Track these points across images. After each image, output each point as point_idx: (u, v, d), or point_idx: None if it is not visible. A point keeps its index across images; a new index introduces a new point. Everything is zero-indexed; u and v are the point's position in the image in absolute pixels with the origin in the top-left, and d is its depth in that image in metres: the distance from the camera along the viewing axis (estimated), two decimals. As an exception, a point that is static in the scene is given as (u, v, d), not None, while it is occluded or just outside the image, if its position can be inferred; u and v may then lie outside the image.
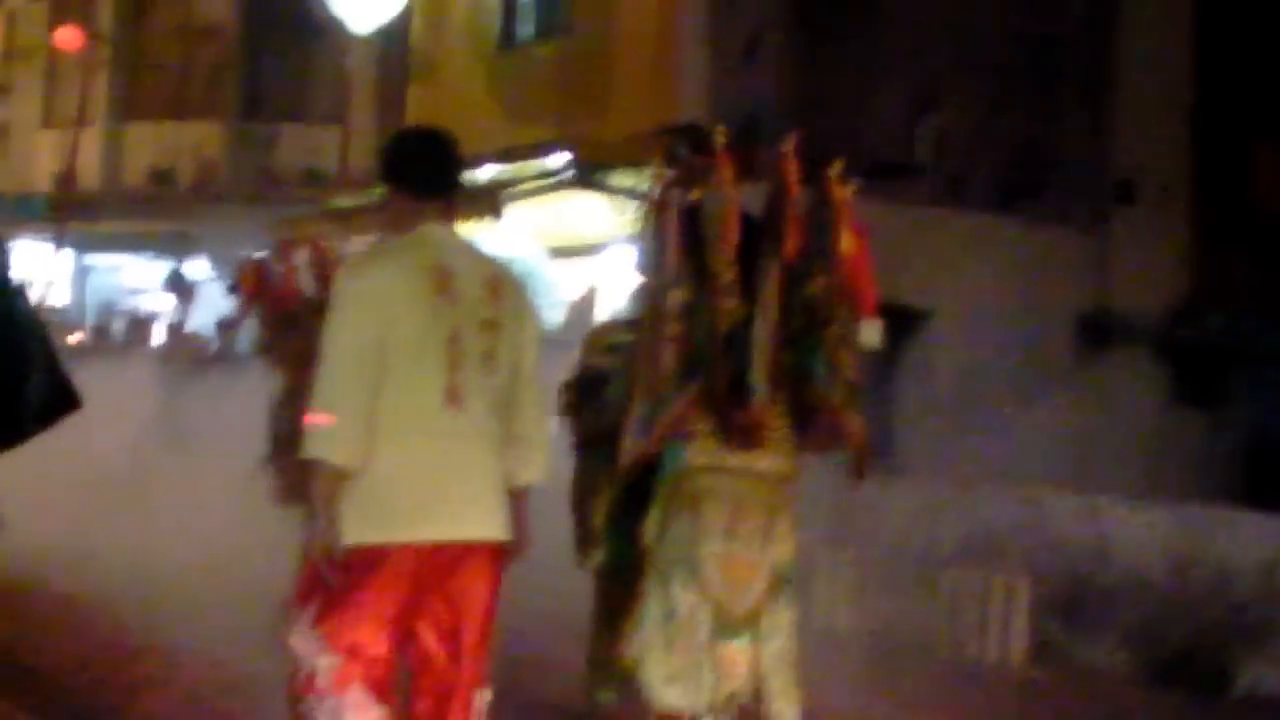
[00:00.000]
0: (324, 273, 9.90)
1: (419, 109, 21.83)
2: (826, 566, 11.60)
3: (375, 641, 5.19)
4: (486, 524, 5.33)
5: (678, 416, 6.71)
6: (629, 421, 6.79)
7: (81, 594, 10.38)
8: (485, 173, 17.47)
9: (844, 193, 6.72)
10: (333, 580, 5.11)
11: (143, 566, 10.75)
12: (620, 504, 7.27)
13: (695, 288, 6.63)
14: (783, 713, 6.82)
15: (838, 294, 6.64)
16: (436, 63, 21.72)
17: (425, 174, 5.36)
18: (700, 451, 6.72)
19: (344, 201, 20.51)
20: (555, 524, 7.10)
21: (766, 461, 6.75)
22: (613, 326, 7.91)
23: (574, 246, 18.61)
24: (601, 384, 7.44)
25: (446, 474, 5.22)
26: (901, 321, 19.47)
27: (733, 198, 6.47)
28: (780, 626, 6.86)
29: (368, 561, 5.13)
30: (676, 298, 6.63)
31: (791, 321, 6.57)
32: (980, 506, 12.00)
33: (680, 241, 6.55)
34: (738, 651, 6.78)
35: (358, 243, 19.18)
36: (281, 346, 10.12)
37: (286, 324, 10.05)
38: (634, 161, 16.10)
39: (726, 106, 18.02)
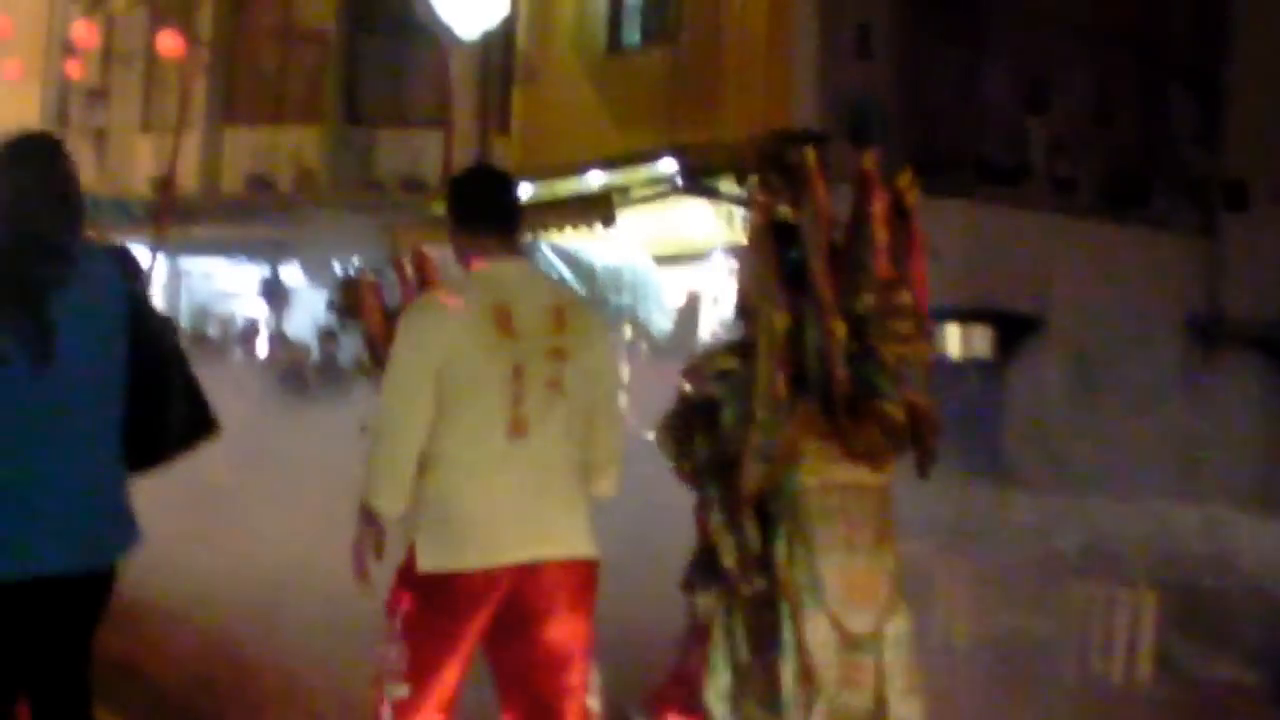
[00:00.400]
0: (429, 282, 9.84)
1: (524, 114, 21.79)
2: (944, 579, 11.49)
3: (448, 668, 5.42)
4: (558, 543, 5.54)
5: (793, 439, 6.77)
6: (749, 448, 6.82)
7: (197, 610, 10.36)
8: (593, 179, 17.36)
9: (914, 200, 6.76)
10: (392, 605, 5.42)
11: (253, 581, 10.70)
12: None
13: (797, 309, 6.69)
14: (898, 711, 6.80)
15: (910, 304, 6.74)
16: (542, 68, 21.64)
17: (484, 211, 5.61)
18: (810, 471, 6.77)
19: (441, 208, 20.44)
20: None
21: (871, 474, 6.81)
22: (717, 352, 7.64)
23: (681, 253, 18.49)
24: (713, 411, 7.23)
25: (514, 501, 5.43)
26: (1012, 328, 19.33)
27: (825, 218, 6.56)
28: (901, 636, 6.87)
29: (443, 588, 5.36)
30: (782, 321, 6.69)
31: (888, 329, 6.68)
32: (1100, 518, 11.84)
33: (777, 263, 6.64)
34: (863, 664, 6.81)
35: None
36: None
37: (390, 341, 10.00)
38: (744, 167, 15.99)
39: (836, 110, 17.92)
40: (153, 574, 10.03)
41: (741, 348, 7.05)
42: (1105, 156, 20.67)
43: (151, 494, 5.76)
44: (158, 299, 26.73)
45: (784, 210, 6.69)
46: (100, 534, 5.02)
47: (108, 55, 29.83)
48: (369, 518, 5.49)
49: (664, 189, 16.83)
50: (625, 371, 18.94)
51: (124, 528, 5.13)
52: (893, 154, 18.03)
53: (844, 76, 18.19)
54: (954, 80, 19.29)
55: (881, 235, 6.77)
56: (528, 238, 17.97)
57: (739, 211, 16.53)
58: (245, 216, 26.80)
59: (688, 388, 7.41)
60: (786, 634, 6.86)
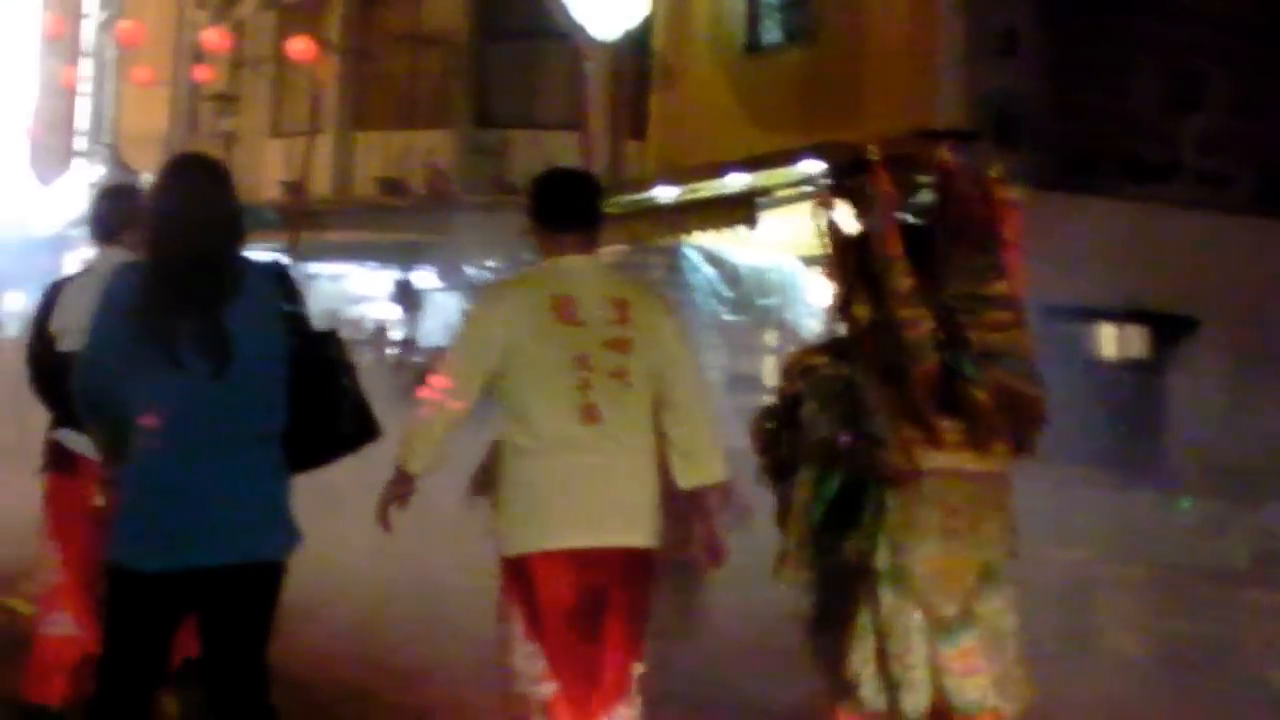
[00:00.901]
0: None
1: (661, 116, 21.61)
2: (1109, 587, 11.29)
3: (565, 654, 5.76)
4: (628, 531, 5.82)
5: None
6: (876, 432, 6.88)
7: (346, 617, 10.26)
8: (733, 181, 17.13)
9: (1008, 195, 6.87)
10: (501, 596, 5.83)
11: (395, 583, 10.74)
12: (827, 518, 7.21)
13: (876, 303, 6.77)
14: (1001, 710, 6.91)
15: (1005, 294, 6.87)
16: (679, 70, 21.42)
17: (562, 211, 5.91)
18: (905, 457, 6.80)
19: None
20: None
21: (975, 461, 6.83)
22: (806, 350, 7.75)
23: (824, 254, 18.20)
24: (798, 407, 7.32)
25: (590, 486, 5.73)
26: (1168, 329, 18.95)
27: (890, 214, 6.62)
28: (994, 624, 6.95)
29: (525, 570, 5.74)
30: (862, 314, 6.80)
31: (982, 318, 6.79)
32: (1268, 523, 11.67)
33: (852, 262, 6.78)
34: (952, 652, 6.89)
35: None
36: None
37: None
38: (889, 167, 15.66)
39: (981, 109, 17.60)
40: (301, 582, 9.98)
41: (831, 347, 7.17)
42: (1258, 152, 20.21)
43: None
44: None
45: (848, 217, 6.83)
46: (260, 531, 5.33)
47: (237, 61, 29.92)
48: (401, 477, 5.90)
49: (807, 190, 16.54)
50: (769, 373, 18.77)
51: (284, 527, 5.42)
52: (1040, 154, 17.86)
53: (989, 75, 17.86)
54: (1101, 77, 18.90)
55: (969, 226, 6.86)
56: (670, 239, 17.82)
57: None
58: (377, 220, 26.82)
59: (781, 383, 7.51)
60: (863, 618, 6.93)
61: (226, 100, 30.51)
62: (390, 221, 26.57)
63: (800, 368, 7.51)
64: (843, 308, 6.99)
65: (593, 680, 5.81)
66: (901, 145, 15.69)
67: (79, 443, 6.80)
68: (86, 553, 6.81)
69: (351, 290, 28.88)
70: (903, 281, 6.68)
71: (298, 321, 5.39)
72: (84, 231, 8.14)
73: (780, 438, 7.43)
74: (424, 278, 26.91)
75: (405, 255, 26.79)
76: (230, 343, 5.17)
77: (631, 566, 5.84)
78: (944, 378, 6.78)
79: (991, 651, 7.01)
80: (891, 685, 7.01)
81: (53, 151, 34.83)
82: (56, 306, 7.21)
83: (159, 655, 5.38)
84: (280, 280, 5.38)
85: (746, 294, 18.00)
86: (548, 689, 5.74)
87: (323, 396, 5.47)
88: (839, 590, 7.28)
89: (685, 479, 5.97)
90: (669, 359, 5.90)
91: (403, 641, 9.60)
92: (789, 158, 16.57)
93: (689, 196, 18.02)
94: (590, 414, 5.69)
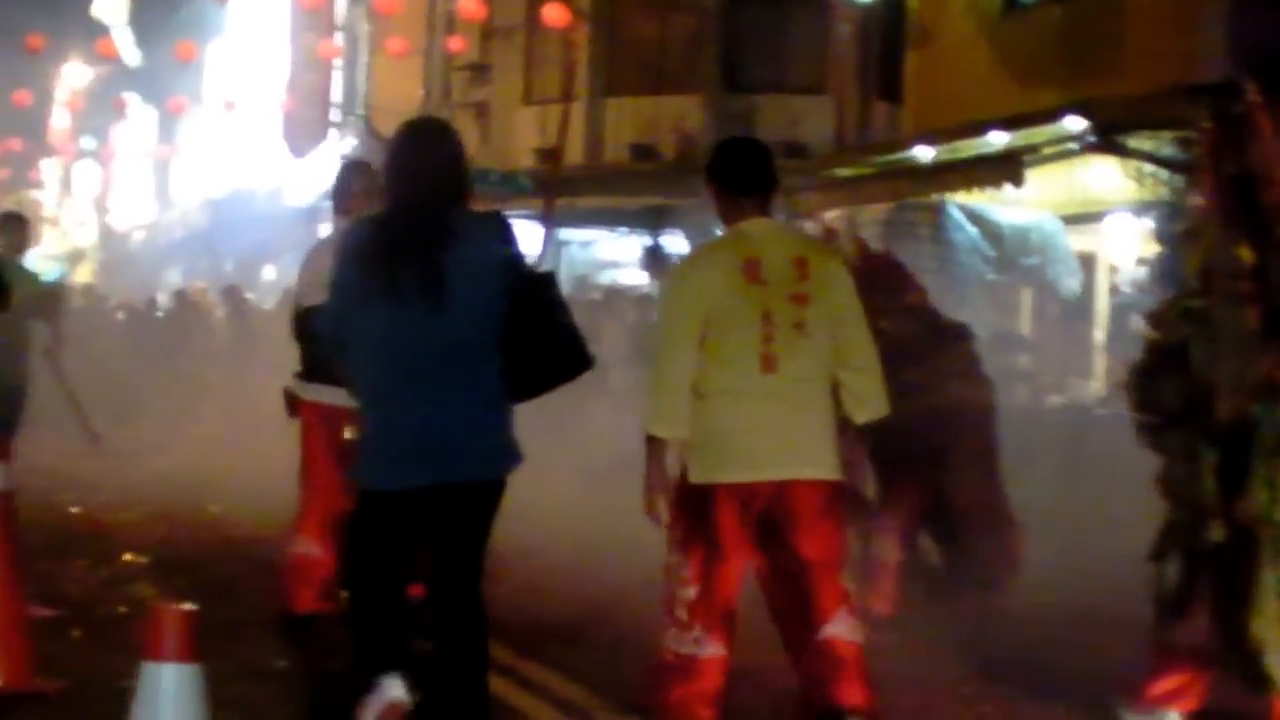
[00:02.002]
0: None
1: (917, 77, 21.60)
2: None
3: (724, 571, 6.52)
4: (805, 465, 6.55)
5: (1265, 374, 6.81)
6: (1221, 380, 6.90)
7: (563, 557, 10.67)
8: (993, 139, 17.13)
9: None
10: (663, 520, 6.53)
11: (610, 533, 10.99)
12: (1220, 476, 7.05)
13: (1259, 247, 6.80)
14: None
15: None
16: (936, 31, 21.41)
17: (744, 176, 6.66)
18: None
19: (843, 171, 20.39)
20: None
21: None
22: (1182, 294, 7.60)
23: (1083, 212, 18.18)
24: (1180, 356, 7.24)
25: (767, 426, 6.47)
26: None
27: (1275, 153, 6.74)
28: None
29: (710, 497, 6.48)
30: (1244, 257, 6.83)
31: None
32: None
33: (1232, 203, 6.89)
34: None
35: (868, 215, 19.15)
36: None
37: None
38: (1154, 122, 15.63)
39: (1245, 59, 17.32)
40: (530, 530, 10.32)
41: (1206, 288, 7.15)
42: None
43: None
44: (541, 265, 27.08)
45: (1232, 157, 6.84)
46: (482, 453, 6.17)
47: (488, 30, 30.31)
48: (653, 449, 6.52)
49: (1072, 147, 16.51)
50: (1029, 331, 18.75)
51: (504, 448, 6.24)
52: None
53: (1254, 27, 17.58)
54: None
55: None
56: (933, 198, 17.87)
57: (1150, 169, 16.17)
58: (628, 186, 27.06)
59: (1154, 335, 7.48)
60: (1267, 577, 6.74)
61: (479, 69, 31.01)
62: (640, 187, 26.81)
63: (1180, 311, 7.37)
64: (1220, 249, 7.01)
65: (805, 598, 6.52)
66: (1164, 101, 15.67)
67: (306, 390, 8.39)
68: (321, 485, 8.33)
69: (601, 256, 29.24)
70: None
71: (515, 264, 6.22)
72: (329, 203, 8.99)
73: (1162, 390, 7.31)
74: (673, 242, 27.16)
75: (654, 220, 27.03)
76: (444, 281, 5.99)
77: (810, 495, 6.54)
78: None
79: None
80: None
81: (307, 124, 35.64)
82: (300, 270, 8.67)
83: (399, 567, 6.29)
84: (499, 229, 6.25)
85: (1008, 253, 17.98)
86: (688, 592, 6.53)
87: (540, 330, 6.20)
88: (1221, 565, 7.03)
89: (858, 416, 6.69)
90: (841, 312, 6.62)
91: (608, 585, 9.86)
92: (1052, 115, 16.53)
93: (947, 155, 18.05)
94: (769, 363, 6.45)
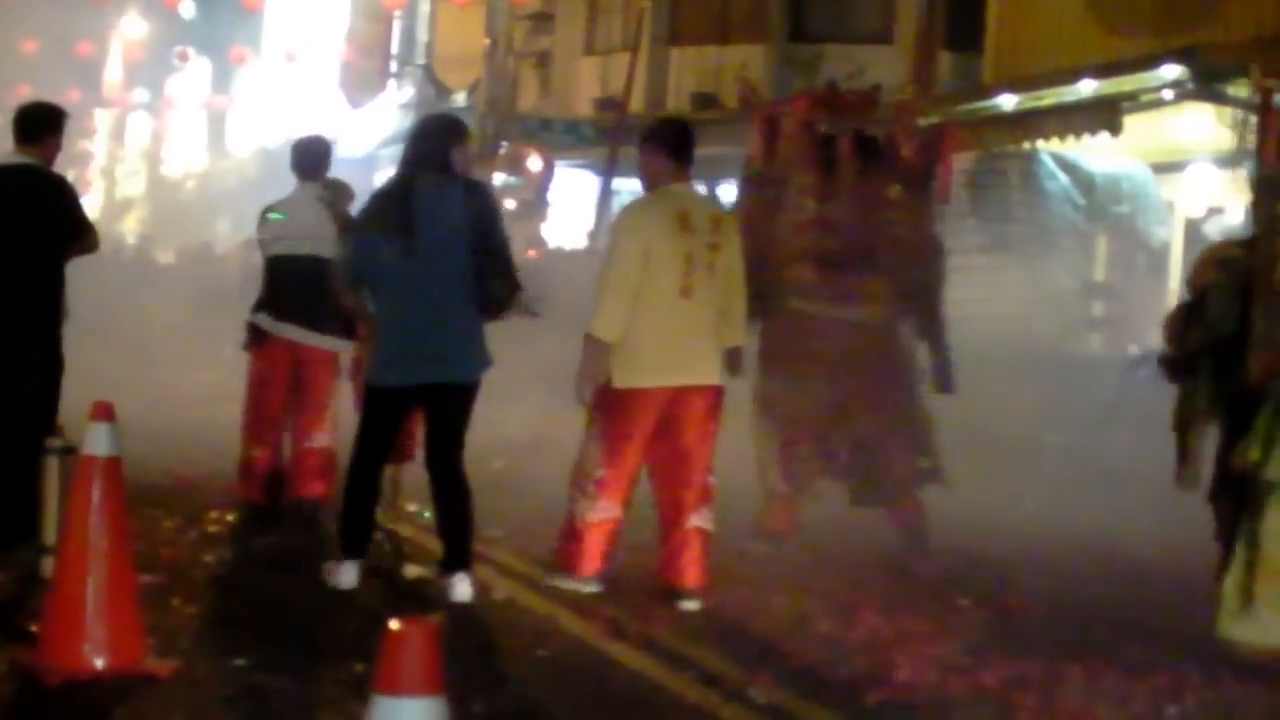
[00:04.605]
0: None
1: (1001, 25, 21.08)
2: None
3: (628, 459, 8.51)
4: (705, 373, 8.59)
5: None
6: (1253, 336, 7.16)
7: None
8: (1084, 87, 16.67)
9: None
10: (594, 412, 8.51)
11: None
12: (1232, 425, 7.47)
13: None
14: None
15: None
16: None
17: (684, 149, 8.65)
18: None
19: (922, 120, 19.89)
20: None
21: None
22: (1228, 243, 8.10)
23: (1176, 160, 17.74)
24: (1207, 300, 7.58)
25: (679, 341, 8.43)
26: None
27: None
28: None
29: (627, 400, 8.43)
30: None
31: None
32: None
33: None
34: None
35: (957, 161, 18.64)
36: None
37: None
38: (1253, 70, 15.20)
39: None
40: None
41: (1250, 240, 7.58)
42: None
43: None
44: (590, 218, 26.81)
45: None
46: (460, 359, 8.32)
47: (551, -20, 30.04)
48: (593, 347, 8.38)
49: (1171, 95, 16.06)
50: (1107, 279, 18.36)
51: (478, 356, 8.39)
52: None
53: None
54: None
55: None
56: (1025, 145, 17.43)
57: (1245, 116, 15.74)
58: (689, 134, 26.62)
59: (1194, 278, 7.82)
60: (1244, 527, 7.12)
61: (541, 19, 30.68)
62: (702, 136, 26.37)
63: (1218, 258, 7.70)
64: (1255, 201, 7.61)
65: (684, 486, 8.53)
66: (1267, 48, 15.22)
67: (266, 323, 10.52)
68: (265, 399, 10.71)
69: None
70: None
71: (476, 214, 8.23)
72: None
73: (1189, 332, 7.63)
74: (731, 192, 26.79)
75: (715, 169, 26.66)
76: (411, 231, 8.08)
77: (700, 398, 8.53)
78: None
79: None
80: (1254, 607, 7.07)
81: (365, 75, 35.37)
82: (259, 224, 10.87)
83: (392, 441, 8.67)
84: (468, 188, 8.31)
85: (1099, 202, 17.57)
86: (600, 472, 8.49)
87: (485, 267, 8.22)
88: (1223, 501, 7.48)
89: (729, 338, 8.74)
90: (736, 261, 8.64)
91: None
92: (1149, 62, 16.08)
93: (1031, 104, 17.58)
94: (687, 292, 8.38)
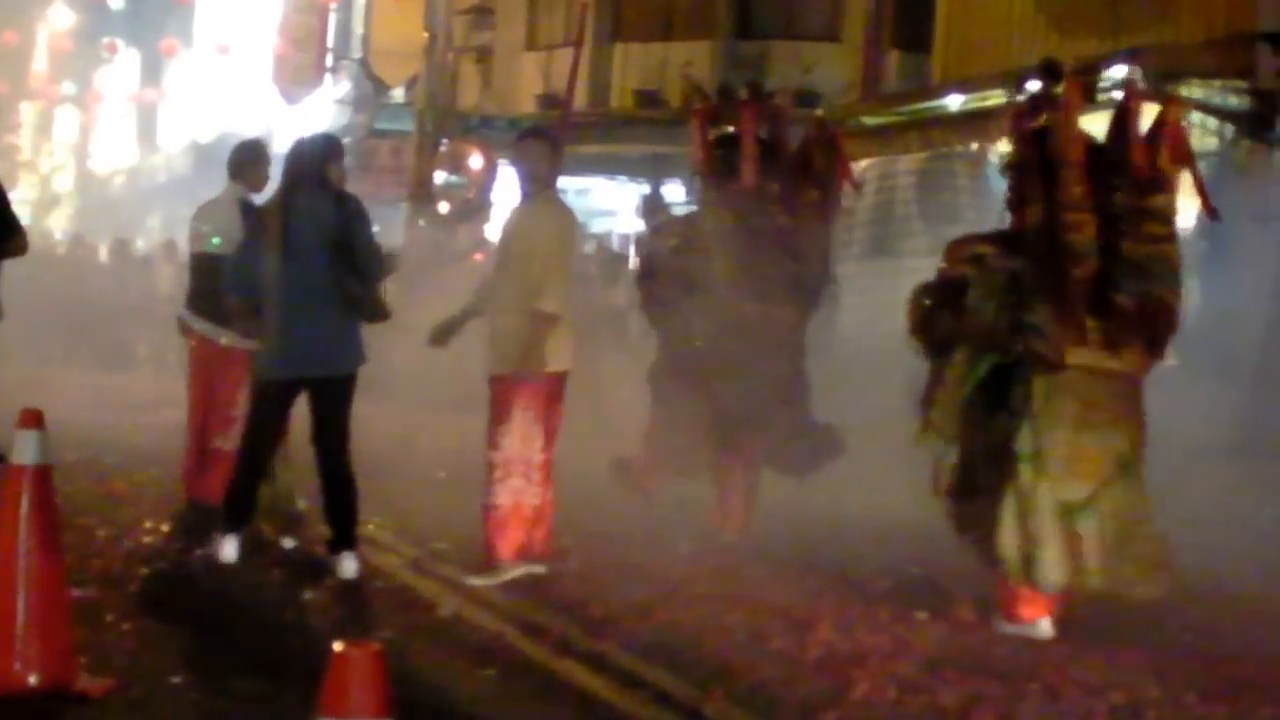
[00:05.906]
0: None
1: (950, 25, 20.92)
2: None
3: (553, 441, 9.14)
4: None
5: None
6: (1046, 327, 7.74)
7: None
8: (1032, 89, 16.44)
9: (1175, 115, 8.23)
10: (518, 400, 9.06)
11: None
12: (977, 400, 8.13)
13: (1047, 204, 7.72)
14: (1134, 584, 7.85)
15: (1164, 208, 7.88)
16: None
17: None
18: (1056, 352, 7.69)
19: (870, 120, 19.76)
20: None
21: (1116, 361, 7.74)
22: (973, 238, 8.49)
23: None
24: (960, 291, 8.09)
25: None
26: None
27: (1076, 123, 7.92)
28: (1125, 509, 7.81)
29: (557, 383, 9.16)
30: (1034, 213, 7.82)
31: (1140, 229, 7.78)
32: None
33: (1032, 164, 7.89)
34: (1082, 532, 7.72)
35: (905, 162, 18.49)
36: None
37: None
38: (1206, 72, 15.12)
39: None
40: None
41: (1000, 238, 8.18)
42: None
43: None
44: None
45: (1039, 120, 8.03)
46: (337, 355, 9.12)
47: (476, -27, 29.79)
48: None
49: (1116, 97, 15.85)
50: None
51: (354, 352, 9.19)
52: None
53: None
54: None
55: (1137, 141, 7.88)
56: (974, 146, 17.26)
57: (1197, 117, 15.59)
58: (631, 133, 26.56)
59: (943, 265, 8.35)
60: (1008, 496, 7.80)
61: (482, 13, 30.40)
62: (644, 135, 26.29)
63: (969, 254, 8.23)
64: (1016, 204, 7.96)
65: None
66: (1219, 49, 15.11)
67: (187, 317, 10.84)
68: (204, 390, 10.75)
69: (596, 204, 28.65)
70: (1074, 189, 7.62)
71: (343, 222, 9.03)
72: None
73: (937, 317, 8.23)
74: (673, 191, 26.61)
75: (657, 169, 26.52)
76: (286, 239, 8.95)
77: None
78: (1096, 281, 7.68)
79: (1123, 538, 7.78)
80: (1028, 560, 7.76)
81: (299, 68, 34.91)
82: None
83: (278, 429, 9.47)
84: (338, 199, 9.11)
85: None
86: (546, 469, 9.09)
87: (345, 268, 8.99)
88: (986, 467, 8.06)
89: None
90: None
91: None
92: (1098, 64, 15.90)
93: (979, 104, 17.43)
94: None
